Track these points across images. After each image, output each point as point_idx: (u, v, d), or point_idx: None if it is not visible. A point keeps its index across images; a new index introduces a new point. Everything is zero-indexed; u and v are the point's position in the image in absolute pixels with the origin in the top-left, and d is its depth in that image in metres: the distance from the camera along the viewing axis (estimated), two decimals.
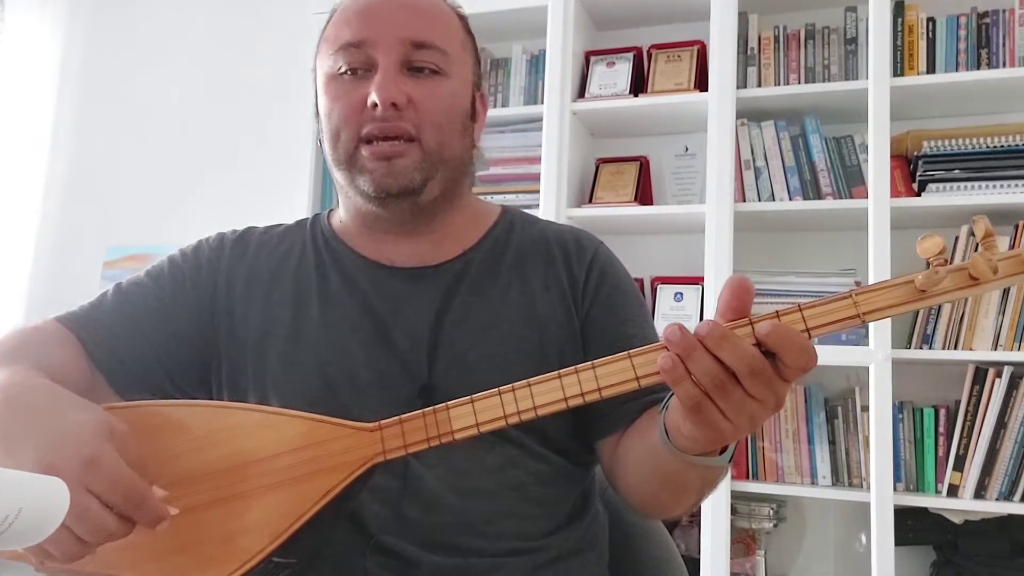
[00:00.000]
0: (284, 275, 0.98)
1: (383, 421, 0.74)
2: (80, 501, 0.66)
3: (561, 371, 0.70)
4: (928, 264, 0.64)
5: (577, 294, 0.97)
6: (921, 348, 1.98)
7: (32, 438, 0.70)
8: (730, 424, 0.64)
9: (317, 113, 0.97)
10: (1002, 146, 1.99)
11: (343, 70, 0.91)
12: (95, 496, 0.67)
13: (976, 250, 0.65)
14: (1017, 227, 1.93)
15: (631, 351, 0.69)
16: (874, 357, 1.92)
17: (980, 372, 1.94)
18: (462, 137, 0.94)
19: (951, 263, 0.64)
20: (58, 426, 0.71)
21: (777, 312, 0.65)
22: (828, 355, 1.97)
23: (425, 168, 0.90)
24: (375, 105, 0.87)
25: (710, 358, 0.62)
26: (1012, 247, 1.92)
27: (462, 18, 0.99)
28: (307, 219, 1.06)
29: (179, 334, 0.96)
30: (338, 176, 0.94)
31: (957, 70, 2.05)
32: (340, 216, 1.02)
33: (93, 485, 0.67)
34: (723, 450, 0.71)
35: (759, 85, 2.21)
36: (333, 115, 0.91)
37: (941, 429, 1.98)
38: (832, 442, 2.06)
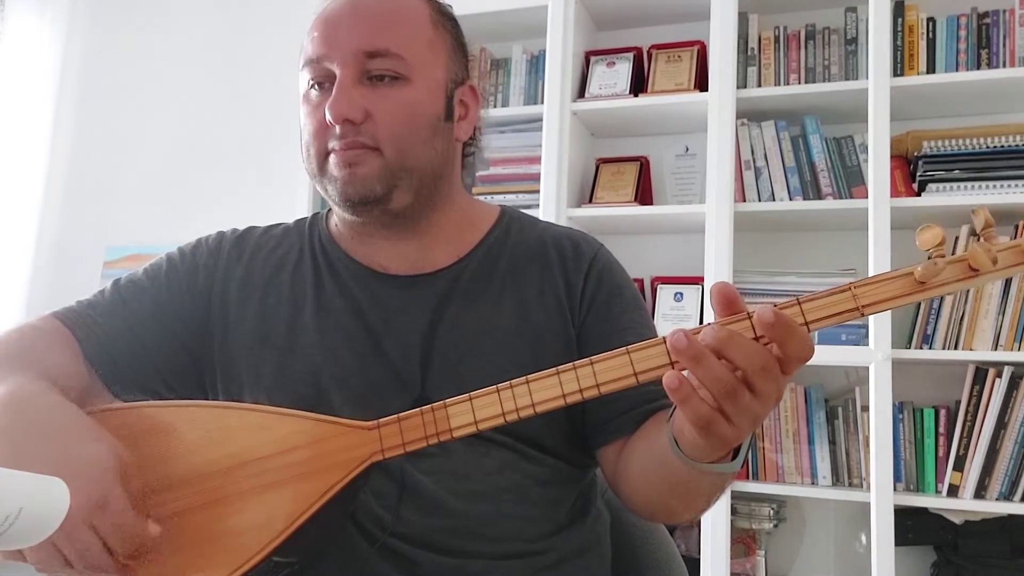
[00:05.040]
0: (280, 281, 0.98)
1: (381, 420, 0.74)
2: (83, 538, 0.68)
3: (559, 368, 0.69)
4: (929, 256, 0.64)
5: (574, 300, 0.95)
6: (921, 348, 1.97)
7: (45, 463, 0.70)
8: (734, 428, 0.63)
9: None
10: (1002, 146, 1.99)
11: (311, 84, 0.91)
12: (98, 536, 0.69)
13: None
14: (1017, 227, 1.93)
15: (629, 347, 0.68)
16: (874, 357, 1.91)
17: (980, 372, 1.94)
18: (430, 142, 0.91)
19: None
20: (69, 456, 0.72)
21: (776, 306, 0.65)
22: (828, 355, 1.97)
23: (386, 178, 0.89)
24: (331, 122, 0.88)
25: (719, 363, 0.61)
26: None
27: (438, 12, 0.95)
28: (306, 219, 1.05)
29: (174, 338, 0.95)
30: (316, 186, 0.95)
31: (957, 70, 2.05)
32: (336, 219, 1.02)
33: (99, 526, 0.69)
34: (735, 454, 0.70)
35: (759, 85, 2.21)
36: (305, 131, 0.92)
37: (941, 429, 1.98)
38: (832, 442, 2.06)
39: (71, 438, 0.74)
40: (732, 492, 2.03)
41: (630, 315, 0.96)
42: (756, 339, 0.63)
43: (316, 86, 0.91)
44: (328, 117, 0.87)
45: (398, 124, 0.88)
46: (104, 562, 0.70)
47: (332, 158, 0.89)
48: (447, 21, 0.96)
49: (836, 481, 2.04)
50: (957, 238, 1.97)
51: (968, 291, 1.95)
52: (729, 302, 0.65)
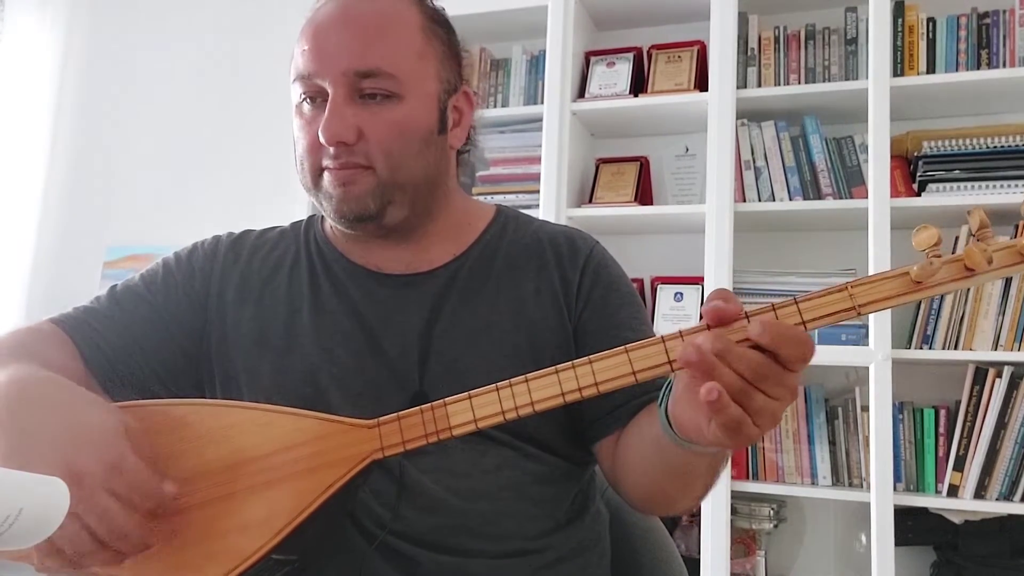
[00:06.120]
0: (277, 283, 0.98)
1: (381, 418, 0.75)
2: (102, 504, 0.68)
3: (558, 366, 0.70)
4: (926, 256, 0.64)
5: (570, 297, 0.96)
6: (921, 348, 1.97)
7: (51, 437, 0.71)
8: (758, 428, 0.64)
9: None
10: (1002, 146, 1.99)
11: (303, 97, 0.92)
12: (117, 498, 0.69)
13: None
14: (1017, 227, 1.93)
15: (628, 345, 0.69)
16: (874, 357, 1.91)
17: (980, 372, 1.94)
18: (423, 156, 0.92)
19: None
20: (77, 425, 0.72)
21: (773, 305, 0.65)
22: (828, 355, 1.97)
23: (380, 195, 0.89)
24: (325, 143, 0.88)
25: (729, 371, 0.62)
26: None
27: (429, 19, 0.94)
28: (302, 222, 1.06)
29: (172, 342, 0.96)
30: (311, 198, 0.95)
31: (957, 70, 2.05)
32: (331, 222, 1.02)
33: (117, 488, 0.69)
34: None
35: (759, 85, 2.21)
36: (298, 146, 0.93)
37: (941, 429, 1.98)
38: (832, 442, 2.06)
39: (75, 408, 0.75)
40: (732, 492, 2.03)
41: (626, 311, 0.96)
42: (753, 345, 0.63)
43: (308, 100, 0.91)
44: (321, 138, 0.87)
45: (391, 142, 0.89)
46: (127, 526, 0.70)
47: (326, 175, 0.90)
48: (439, 28, 0.95)
49: (836, 481, 2.04)
50: (957, 238, 1.97)
51: (968, 292, 1.95)
52: (720, 322, 0.65)
